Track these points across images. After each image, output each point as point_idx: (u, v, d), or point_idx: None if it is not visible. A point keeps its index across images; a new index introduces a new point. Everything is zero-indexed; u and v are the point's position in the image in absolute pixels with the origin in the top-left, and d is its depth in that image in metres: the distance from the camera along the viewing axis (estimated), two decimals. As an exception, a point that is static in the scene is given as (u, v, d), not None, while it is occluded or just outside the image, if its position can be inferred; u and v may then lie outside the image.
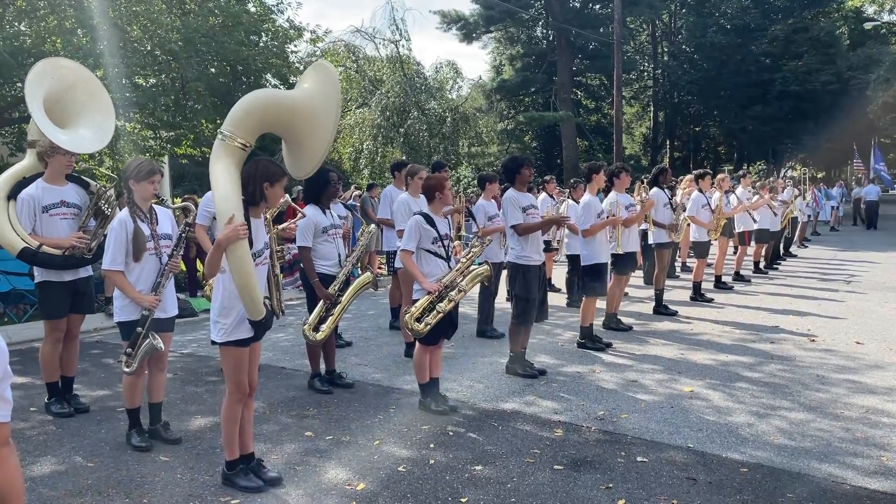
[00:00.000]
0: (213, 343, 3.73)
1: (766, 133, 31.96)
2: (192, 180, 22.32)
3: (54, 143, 4.76)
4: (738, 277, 11.43)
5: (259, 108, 3.78)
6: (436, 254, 4.94)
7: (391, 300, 8.07)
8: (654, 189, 8.69)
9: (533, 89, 33.58)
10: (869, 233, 21.92)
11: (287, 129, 3.86)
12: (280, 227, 6.07)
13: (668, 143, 40.19)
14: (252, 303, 3.58)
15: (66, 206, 4.92)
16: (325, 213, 5.56)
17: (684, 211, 9.27)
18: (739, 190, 11.61)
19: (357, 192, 14.06)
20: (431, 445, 4.37)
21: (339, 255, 5.58)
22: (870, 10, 36.52)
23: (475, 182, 10.23)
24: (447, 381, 5.62)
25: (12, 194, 4.84)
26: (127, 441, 4.41)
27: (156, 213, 4.40)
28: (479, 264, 5.22)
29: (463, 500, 3.61)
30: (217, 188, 3.60)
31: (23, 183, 4.90)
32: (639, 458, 4.12)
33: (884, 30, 32.84)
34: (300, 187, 10.71)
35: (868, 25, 28.97)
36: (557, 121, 30.02)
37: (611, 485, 3.77)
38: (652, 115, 40.30)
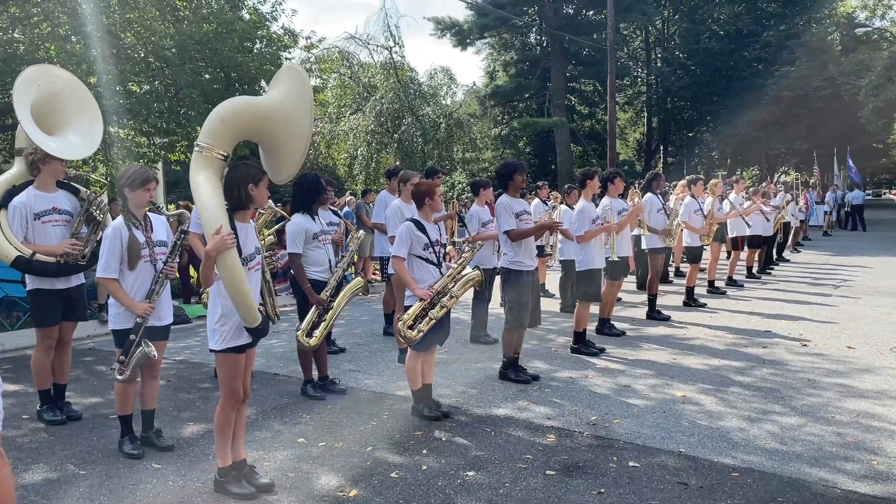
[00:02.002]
0: (212, 351, 3.73)
1: (759, 138, 32.10)
2: (187, 187, 22.25)
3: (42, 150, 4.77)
4: (731, 282, 11.48)
5: (233, 115, 3.77)
6: (427, 260, 4.94)
7: (385, 306, 8.07)
8: (648, 194, 8.72)
9: (527, 95, 33.69)
10: (860, 237, 22.04)
11: (262, 135, 3.85)
12: (273, 229, 6.09)
13: (661, 148, 40.33)
14: (248, 310, 3.57)
15: (58, 213, 4.91)
16: (314, 219, 5.59)
17: (677, 216, 9.32)
18: (732, 195, 11.66)
19: (351, 198, 14.07)
20: (424, 451, 4.37)
21: (330, 261, 5.61)
22: (861, 15, 36.85)
23: (469, 188, 10.26)
24: (440, 386, 5.63)
25: (3, 203, 4.83)
26: (119, 448, 4.40)
27: (150, 221, 4.39)
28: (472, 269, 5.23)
29: (455, 505, 3.62)
30: (200, 199, 3.59)
31: (12, 191, 4.90)
32: (630, 464, 4.14)
33: (875, 35, 33.08)
34: None
35: (859, 31, 29.21)
36: (551, 126, 30.12)
37: (602, 490, 3.78)
38: (645, 120, 40.47)
